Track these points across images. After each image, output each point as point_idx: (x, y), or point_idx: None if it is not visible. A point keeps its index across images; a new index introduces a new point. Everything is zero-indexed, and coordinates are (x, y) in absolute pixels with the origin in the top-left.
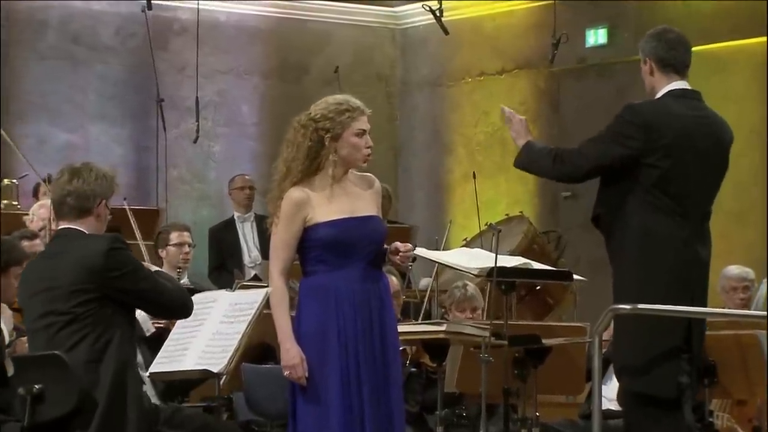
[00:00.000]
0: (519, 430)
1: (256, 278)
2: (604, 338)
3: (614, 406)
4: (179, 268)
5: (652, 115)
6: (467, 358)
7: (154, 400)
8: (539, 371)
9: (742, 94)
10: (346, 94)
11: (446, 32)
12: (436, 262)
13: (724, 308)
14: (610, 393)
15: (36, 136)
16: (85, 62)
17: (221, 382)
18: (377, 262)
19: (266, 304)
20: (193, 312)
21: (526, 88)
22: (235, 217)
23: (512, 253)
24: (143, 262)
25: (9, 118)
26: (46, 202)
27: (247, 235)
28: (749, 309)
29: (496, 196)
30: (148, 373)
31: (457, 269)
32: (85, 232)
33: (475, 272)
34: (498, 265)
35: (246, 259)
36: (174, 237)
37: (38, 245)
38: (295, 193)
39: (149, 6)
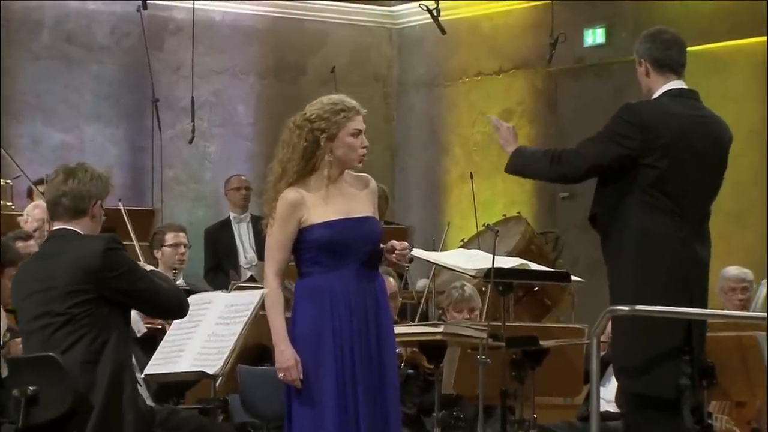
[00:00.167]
0: None
1: (251, 279)
2: (602, 340)
3: (612, 407)
4: (175, 269)
5: (650, 114)
6: (465, 360)
7: (148, 401)
8: (537, 373)
9: (741, 94)
10: (343, 94)
11: (443, 32)
12: (433, 263)
13: (722, 309)
14: (608, 395)
15: (30, 137)
16: (80, 62)
17: (217, 384)
18: (373, 263)
19: (262, 305)
20: (189, 313)
21: (523, 88)
22: (231, 218)
23: (509, 254)
24: (138, 263)
25: (3, 118)
26: (40, 202)
27: (243, 236)
28: (748, 310)
29: (493, 197)
30: (143, 375)
31: (454, 270)
32: (80, 233)
33: (473, 273)
34: (495, 266)
35: (242, 260)
36: (169, 238)
37: (32, 246)
38: (290, 194)
39: (144, 5)
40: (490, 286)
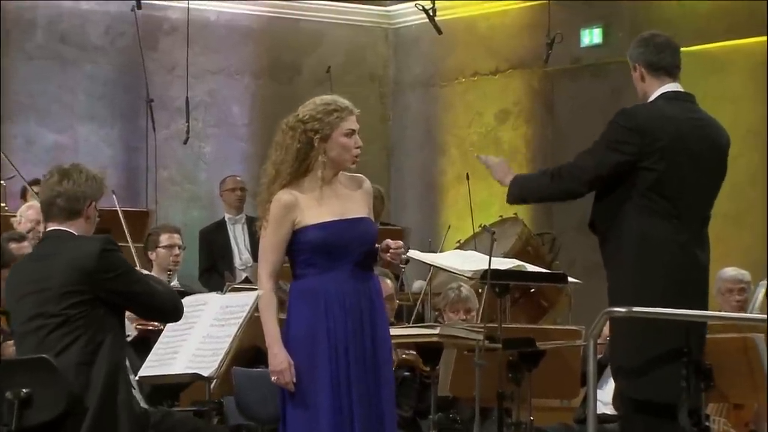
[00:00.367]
0: None
1: (246, 281)
2: (599, 341)
3: (609, 410)
4: (169, 270)
5: (646, 118)
6: (461, 362)
7: (142, 403)
8: (534, 375)
9: (739, 95)
10: (339, 94)
11: (439, 32)
12: (430, 264)
13: (720, 311)
14: (605, 397)
15: (24, 137)
16: (74, 62)
17: (212, 386)
18: (368, 264)
19: (257, 307)
20: (184, 315)
21: (520, 88)
22: (226, 219)
23: (506, 256)
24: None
25: None
26: (34, 203)
27: (238, 237)
28: (745, 311)
29: (489, 198)
30: (137, 377)
31: (450, 272)
32: (74, 234)
33: (469, 275)
34: (492, 267)
35: (237, 262)
36: (164, 239)
37: (26, 248)
38: (283, 196)
39: (139, 5)
40: (486, 287)
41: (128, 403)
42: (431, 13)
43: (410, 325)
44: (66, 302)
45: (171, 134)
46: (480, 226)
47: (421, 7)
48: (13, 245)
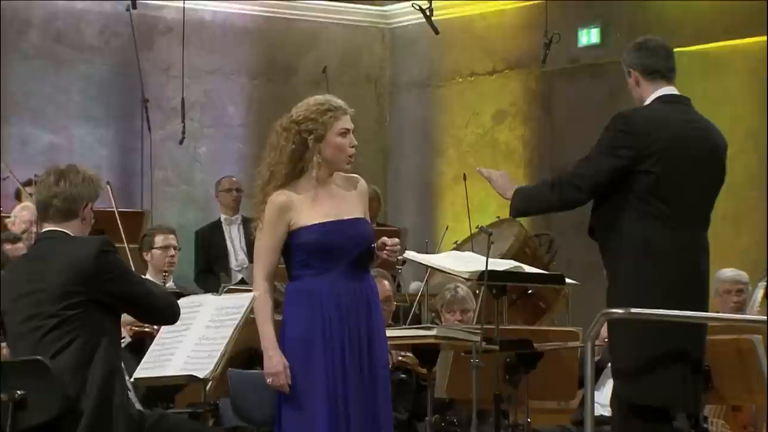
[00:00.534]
0: None
1: (242, 282)
2: (597, 343)
3: (607, 411)
4: (165, 271)
5: (642, 120)
6: (458, 363)
7: (137, 405)
8: (531, 376)
9: (738, 95)
10: (335, 94)
11: (436, 32)
12: (426, 265)
13: (718, 312)
14: (603, 399)
15: (18, 137)
16: (69, 62)
17: (207, 388)
18: (364, 265)
19: (253, 308)
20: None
21: (517, 88)
22: (222, 220)
23: (503, 257)
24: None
25: None
26: (28, 204)
27: (234, 238)
28: (743, 312)
29: (486, 199)
30: (131, 379)
31: (447, 273)
32: (71, 235)
33: (466, 276)
34: (489, 268)
35: (233, 263)
36: (159, 240)
37: (21, 249)
38: (278, 198)
39: (134, 5)
40: (483, 288)
41: (124, 406)
42: (428, 13)
43: (407, 326)
44: (63, 303)
45: (166, 135)
46: (477, 227)
47: (417, 7)
48: (8, 246)
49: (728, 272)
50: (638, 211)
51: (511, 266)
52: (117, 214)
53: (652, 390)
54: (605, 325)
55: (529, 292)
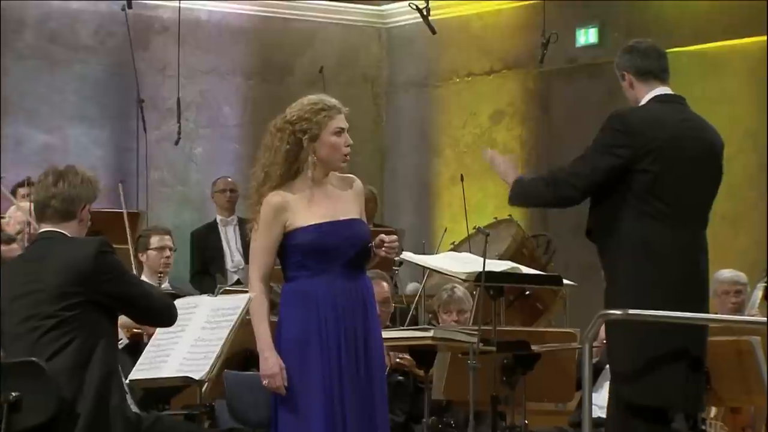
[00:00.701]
0: None
1: (238, 283)
2: (594, 344)
3: (605, 413)
4: (160, 272)
5: (638, 119)
6: (455, 365)
7: (134, 407)
8: (528, 378)
9: (737, 95)
10: (332, 94)
11: (433, 31)
12: (424, 266)
13: (716, 313)
14: (600, 400)
15: (13, 137)
16: (64, 62)
17: (203, 390)
18: (360, 265)
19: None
20: None
21: (515, 88)
22: (218, 221)
23: (501, 257)
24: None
25: None
26: (24, 204)
27: (230, 239)
28: (742, 313)
29: (484, 199)
30: (127, 380)
31: (444, 274)
32: (68, 236)
33: (463, 277)
34: (486, 269)
35: (229, 264)
36: (155, 241)
37: (16, 250)
38: (273, 199)
39: (129, 5)
40: (480, 289)
41: (121, 408)
42: (425, 13)
43: (404, 327)
44: (61, 303)
45: (162, 135)
46: (474, 227)
47: (414, 7)
48: (3, 248)
49: (727, 273)
50: (636, 211)
51: (509, 267)
52: (126, 215)
53: (652, 390)
54: (603, 326)
55: (527, 293)
